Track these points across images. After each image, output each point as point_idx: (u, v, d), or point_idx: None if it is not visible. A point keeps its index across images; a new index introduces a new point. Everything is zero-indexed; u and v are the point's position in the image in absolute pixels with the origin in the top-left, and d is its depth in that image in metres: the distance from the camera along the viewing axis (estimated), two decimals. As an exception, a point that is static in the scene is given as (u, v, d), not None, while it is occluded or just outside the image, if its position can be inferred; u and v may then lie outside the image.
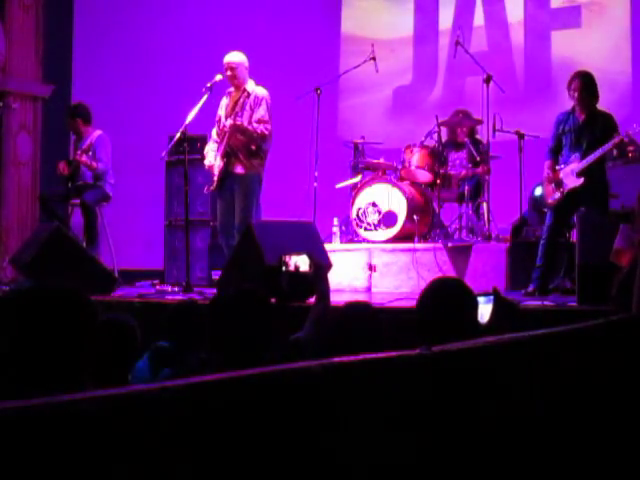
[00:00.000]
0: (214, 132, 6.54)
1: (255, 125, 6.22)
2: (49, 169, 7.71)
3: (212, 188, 6.41)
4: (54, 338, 2.03)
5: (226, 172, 6.30)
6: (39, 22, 8.15)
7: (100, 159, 7.19)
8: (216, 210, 7.18)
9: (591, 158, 5.64)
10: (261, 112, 6.24)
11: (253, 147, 6.28)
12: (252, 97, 6.28)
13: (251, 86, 6.36)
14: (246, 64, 6.39)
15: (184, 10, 9.12)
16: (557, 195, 5.79)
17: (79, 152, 7.14)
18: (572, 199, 5.74)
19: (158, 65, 8.88)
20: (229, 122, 6.26)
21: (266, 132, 6.24)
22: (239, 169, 6.28)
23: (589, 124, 5.78)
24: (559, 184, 5.78)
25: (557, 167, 5.87)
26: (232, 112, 6.33)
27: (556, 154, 5.94)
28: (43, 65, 8.19)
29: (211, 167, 6.39)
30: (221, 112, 6.47)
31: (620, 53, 8.45)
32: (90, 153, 7.15)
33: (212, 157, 6.42)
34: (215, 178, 6.34)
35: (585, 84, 5.75)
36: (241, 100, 6.33)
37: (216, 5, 9.27)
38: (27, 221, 7.96)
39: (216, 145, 6.45)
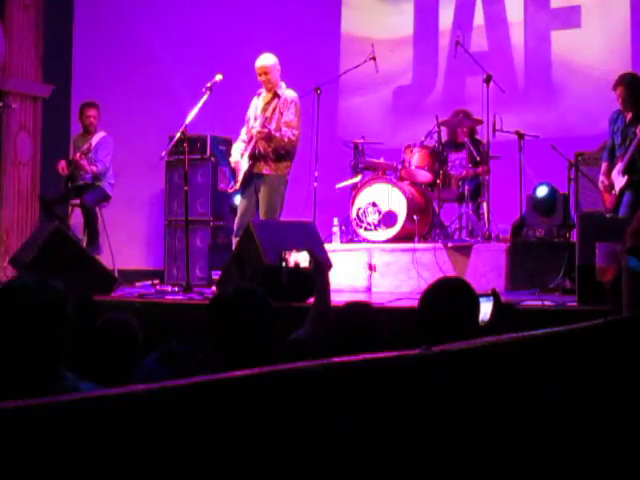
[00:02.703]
0: (243, 131, 6.55)
1: (284, 130, 6.25)
2: (49, 169, 7.71)
3: (236, 187, 6.42)
4: (23, 331, 2.07)
5: (252, 173, 6.31)
6: (39, 22, 8.13)
7: (99, 160, 7.20)
8: (217, 210, 7.21)
9: (627, 155, 5.69)
10: (290, 116, 6.27)
11: (282, 151, 6.32)
12: (282, 100, 6.32)
13: (282, 89, 6.39)
14: (278, 66, 6.40)
15: (184, 10, 9.12)
16: (612, 199, 5.83)
17: (78, 154, 7.16)
18: (622, 197, 5.78)
19: (158, 65, 8.88)
20: (257, 123, 6.30)
21: (293, 137, 6.27)
22: (266, 170, 6.30)
23: (634, 123, 5.78)
24: (612, 188, 5.83)
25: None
26: (262, 113, 6.36)
27: (612, 153, 5.94)
28: (43, 65, 8.17)
29: (237, 163, 6.40)
30: (251, 112, 6.49)
31: (620, 53, 8.45)
32: (90, 154, 7.17)
33: (238, 156, 6.43)
34: (240, 178, 6.35)
35: (629, 91, 5.75)
36: (272, 103, 6.36)
37: (216, 5, 9.27)
38: (27, 221, 7.96)
39: (243, 145, 6.45)
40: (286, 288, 4.94)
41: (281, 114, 6.28)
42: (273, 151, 6.28)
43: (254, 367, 1.56)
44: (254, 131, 6.29)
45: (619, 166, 5.76)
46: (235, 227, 6.43)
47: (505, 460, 1.91)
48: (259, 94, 6.52)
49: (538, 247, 6.30)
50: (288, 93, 6.37)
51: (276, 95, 6.37)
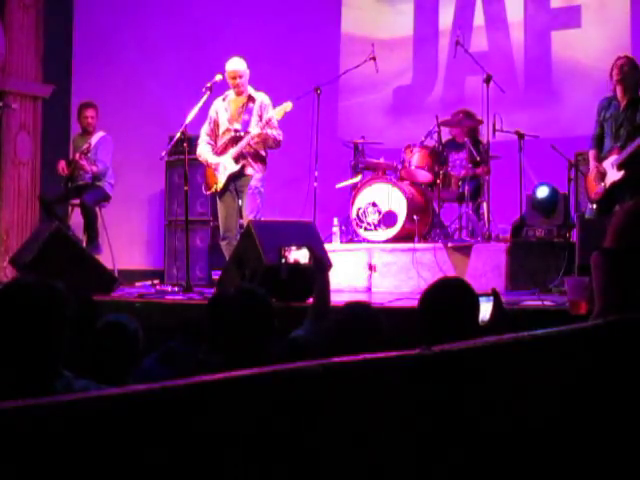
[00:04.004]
0: (204, 132, 6.56)
1: (269, 131, 6.31)
2: (49, 169, 7.72)
3: (218, 189, 6.42)
4: (25, 330, 2.08)
5: (237, 174, 6.34)
6: (39, 22, 8.14)
7: (99, 160, 7.21)
8: (217, 211, 7.18)
9: (629, 149, 5.43)
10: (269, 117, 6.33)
11: (263, 152, 6.40)
12: (258, 103, 6.38)
13: (253, 91, 6.44)
14: (248, 70, 6.46)
15: (184, 10, 9.12)
16: (600, 189, 5.59)
17: (78, 154, 7.17)
18: (613, 192, 5.57)
19: (158, 65, 8.88)
20: (238, 126, 6.33)
21: (280, 138, 6.38)
22: (248, 171, 6.35)
23: (629, 111, 5.56)
24: (603, 177, 5.57)
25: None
26: (239, 117, 6.39)
27: (600, 141, 5.73)
28: (43, 65, 8.18)
29: (217, 165, 6.40)
30: (219, 114, 6.49)
31: (620, 53, 8.44)
32: (89, 155, 7.17)
33: (212, 158, 6.45)
34: (223, 179, 6.36)
35: (632, 63, 5.56)
36: (248, 105, 6.39)
37: (216, 5, 9.27)
38: (27, 221, 7.96)
39: (209, 146, 6.49)
40: (286, 288, 4.94)
41: (260, 116, 6.31)
42: (255, 152, 6.34)
43: (254, 367, 1.56)
44: (254, 132, 6.30)
45: (615, 158, 5.52)
46: (221, 231, 6.45)
47: (505, 462, 1.91)
48: (225, 97, 6.53)
49: (538, 247, 6.29)
50: (263, 96, 6.45)
51: (250, 98, 6.41)
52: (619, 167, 5.50)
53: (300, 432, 1.56)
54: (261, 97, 6.42)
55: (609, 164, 5.58)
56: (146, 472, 1.37)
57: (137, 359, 3.20)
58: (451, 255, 6.51)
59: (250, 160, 6.36)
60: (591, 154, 5.76)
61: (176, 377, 1.47)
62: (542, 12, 8.95)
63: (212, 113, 6.53)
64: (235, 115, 6.44)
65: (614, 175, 5.55)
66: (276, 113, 6.32)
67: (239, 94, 6.46)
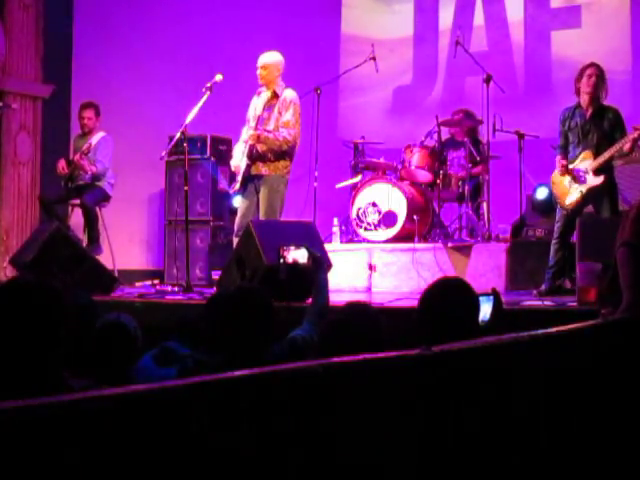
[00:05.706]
0: (244, 131, 6.55)
1: (280, 130, 6.26)
2: (49, 169, 7.71)
3: (236, 188, 6.42)
4: (23, 330, 2.08)
5: (251, 173, 6.32)
6: (39, 22, 8.13)
7: (98, 160, 7.20)
8: (217, 210, 7.18)
9: (608, 154, 5.50)
10: (287, 116, 6.27)
11: (278, 151, 6.33)
12: (281, 100, 6.32)
13: (282, 88, 6.39)
14: (279, 66, 6.38)
15: (184, 10, 9.12)
16: (576, 197, 5.62)
17: (78, 155, 7.16)
18: (587, 198, 5.64)
19: (158, 65, 8.87)
20: (252, 126, 6.32)
21: (289, 137, 6.24)
22: (265, 170, 6.30)
23: (596, 118, 5.64)
24: (574, 181, 5.60)
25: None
26: (261, 113, 6.37)
27: (566, 149, 5.79)
28: (43, 65, 8.17)
29: (237, 167, 6.41)
30: (250, 113, 6.50)
31: (620, 53, 8.45)
32: (89, 155, 7.16)
33: (239, 158, 6.44)
34: (239, 178, 6.36)
35: (601, 73, 5.62)
36: (271, 103, 6.38)
37: (216, 5, 9.27)
38: (27, 221, 7.95)
39: (244, 145, 6.47)
40: (286, 288, 4.93)
41: (280, 114, 6.29)
42: (270, 151, 6.29)
43: (254, 367, 1.56)
44: (248, 132, 6.30)
45: (587, 164, 5.55)
46: (236, 228, 6.42)
47: (505, 460, 1.91)
48: (259, 93, 6.52)
49: (538, 247, 6.29)
50: (287, 93, 6.37)
51: (275, 95, 6.38)
52: (596, 172, 5.55)
53: (300, 431, 1.56)
54: (285, 94, 6.35)
55: (582, 170, 5.61)
56: (146, 471, 1.37)
57: (136, 358, 3.20)
58: (451, 255, 6.51)
59: (267, 159, 6.31)
60: (558, 159, 5.77)
61: (172, 377, 1.47)
62: (542, 12, 8.96)
63: (249, 112, 6.53)
64: (259, 112, 6.44)
65: (592, 181, 5.58)
66: None
67: (267, 88, 6.41)
